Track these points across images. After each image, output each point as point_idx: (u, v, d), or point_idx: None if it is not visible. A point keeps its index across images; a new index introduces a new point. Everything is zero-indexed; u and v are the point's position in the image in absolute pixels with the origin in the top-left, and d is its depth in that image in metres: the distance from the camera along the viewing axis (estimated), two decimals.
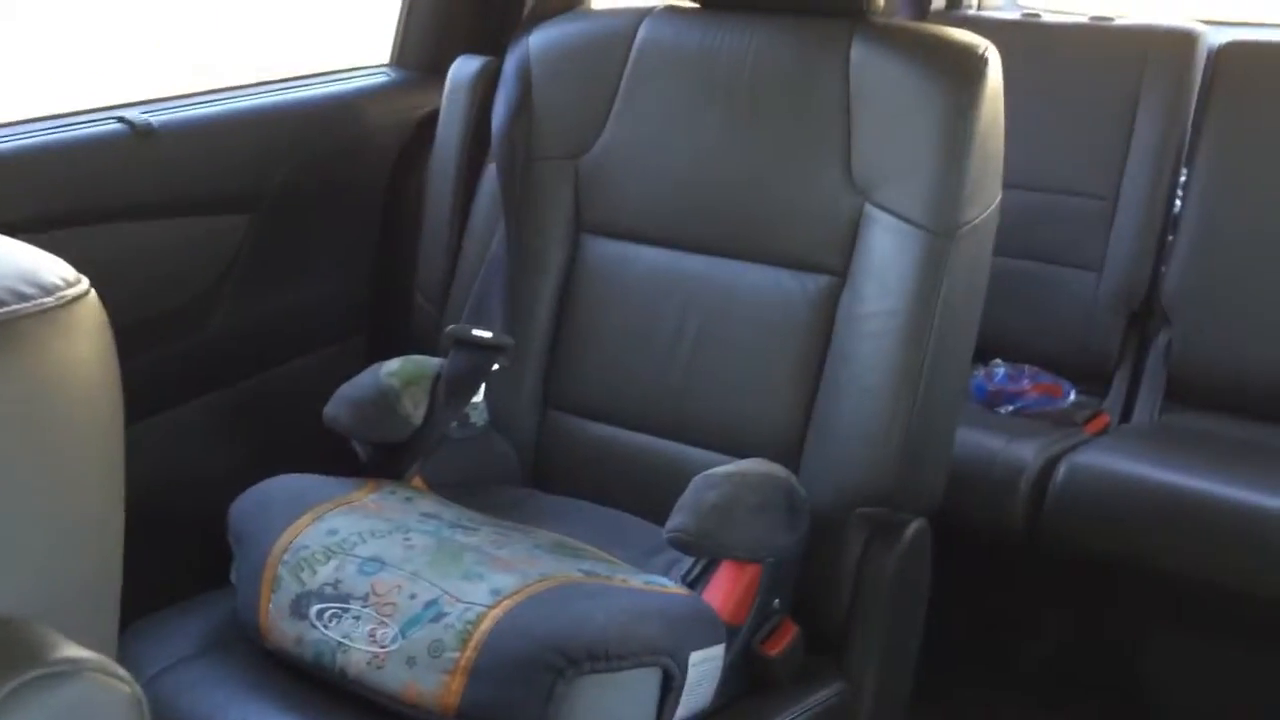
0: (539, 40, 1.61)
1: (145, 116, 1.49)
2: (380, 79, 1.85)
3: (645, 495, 1.45)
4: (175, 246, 1.57)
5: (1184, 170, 2.24)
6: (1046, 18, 2.57)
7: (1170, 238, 2.23)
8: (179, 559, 1.50)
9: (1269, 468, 1.88)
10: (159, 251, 1.55)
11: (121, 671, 0.51)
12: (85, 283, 0.59)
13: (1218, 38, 2.27)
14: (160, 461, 1.58)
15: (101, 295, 0.60)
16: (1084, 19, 2.48)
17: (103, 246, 1.47)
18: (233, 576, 1.32)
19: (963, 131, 1.34)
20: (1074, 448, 1.93)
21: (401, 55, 1.89)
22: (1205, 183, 2.19)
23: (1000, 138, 1.41)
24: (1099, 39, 2.38)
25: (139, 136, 1.47)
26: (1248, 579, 1.73)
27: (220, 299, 1.62)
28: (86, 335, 0.56)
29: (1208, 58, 2.25)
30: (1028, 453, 1.91)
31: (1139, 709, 1.95)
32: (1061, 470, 1.85)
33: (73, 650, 0.51)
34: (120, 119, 1.48)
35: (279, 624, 1.23)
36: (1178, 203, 2.25)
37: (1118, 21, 2.42)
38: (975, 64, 1.37)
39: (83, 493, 0.56)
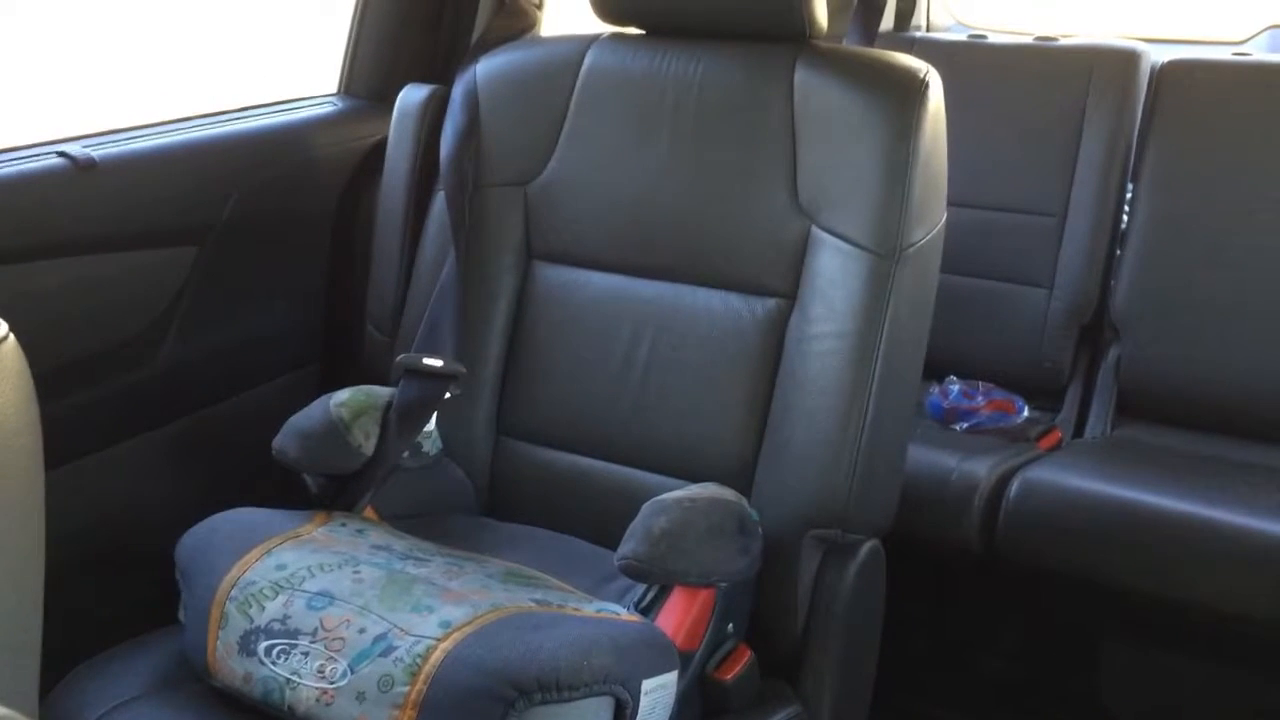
0: (486, 68, 1.61)
1: (87, 151, 1.48)
2: (328, 108, 1.84)
3: (599, 521, 1.45)
4: (121, 280, 1.55)
5: (1130, 186, 2.28)
6: (993, 39, 2.60)
7: (1119, 252, 2.26)
8: (127, 597, 1.48)
9: (1219, 481, 1.90)
10: (104, 286, 1.53)
11: None
12: (4, 327, 0.58)
13: (1159, 56, 2.31)
14: (109, 498, 1.56)
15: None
16: (1029, 39, 2.51)
17: (46, 282, 1.45)
18: (181, 614, 1.30)
19: (904, 155, 1.36)
20: (1027, 463, 1.95)
21: (349, 84, 1.89)
22: (1150, 198, 2.22)
23: (943, 160, 1.42)
24: (1044, 59, 2.41)
25: (80, 171, 1.46)
26: (1200, 592, 1.74)
27: (168, 332, 1.61)
28: (2, 382, 0.55)
29: (1150, 76, 2.29)
30: (981, 469, 1.91)
31: None
32: (1015, 486, 1.86)
33: None
34: (60, 153, 1.46)
35: (227, 661, 1.21)
36: (1125, 218, 2.28)
37: (1062, 41, 2.45)
38: (916, 88, 1.38)
39: None
